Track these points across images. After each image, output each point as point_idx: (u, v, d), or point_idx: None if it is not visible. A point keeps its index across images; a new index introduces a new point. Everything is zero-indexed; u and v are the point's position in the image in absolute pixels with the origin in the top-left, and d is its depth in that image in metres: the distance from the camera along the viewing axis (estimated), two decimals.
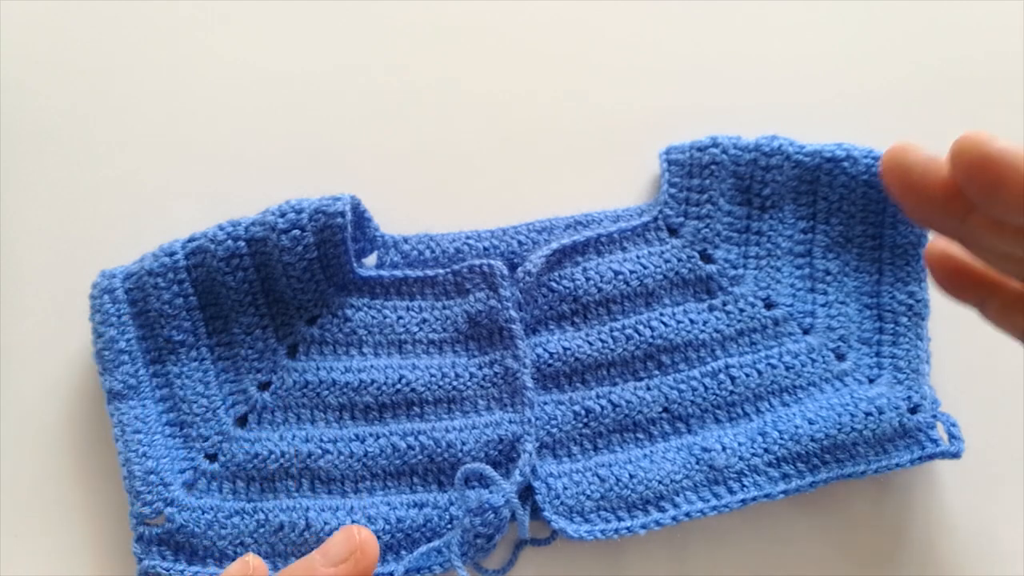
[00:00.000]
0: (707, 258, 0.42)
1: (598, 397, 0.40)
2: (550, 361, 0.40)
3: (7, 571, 0.39)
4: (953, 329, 0.41)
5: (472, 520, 0.36)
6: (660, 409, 0.40)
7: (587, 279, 0.41)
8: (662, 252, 0.41)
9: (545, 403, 0.40)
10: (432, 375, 0.40)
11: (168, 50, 0.46)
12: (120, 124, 0.45)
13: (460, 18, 0.47)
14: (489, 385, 0.40)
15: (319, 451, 0.38)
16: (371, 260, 0.42)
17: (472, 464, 0.37)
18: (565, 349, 0.40)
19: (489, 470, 0.37)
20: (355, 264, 0.40)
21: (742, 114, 0.45)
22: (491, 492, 0.36)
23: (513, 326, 0.39)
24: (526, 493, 0.38)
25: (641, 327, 0.40)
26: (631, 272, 0.41)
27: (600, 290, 0.41)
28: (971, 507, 0.40)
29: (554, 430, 0.39)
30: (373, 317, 0.40)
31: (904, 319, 0.40)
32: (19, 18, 0.46)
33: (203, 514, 0.37)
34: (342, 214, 0.38)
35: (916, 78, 0.46)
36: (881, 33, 0.47)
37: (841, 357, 0.40)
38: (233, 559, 0.37)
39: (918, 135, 0.42)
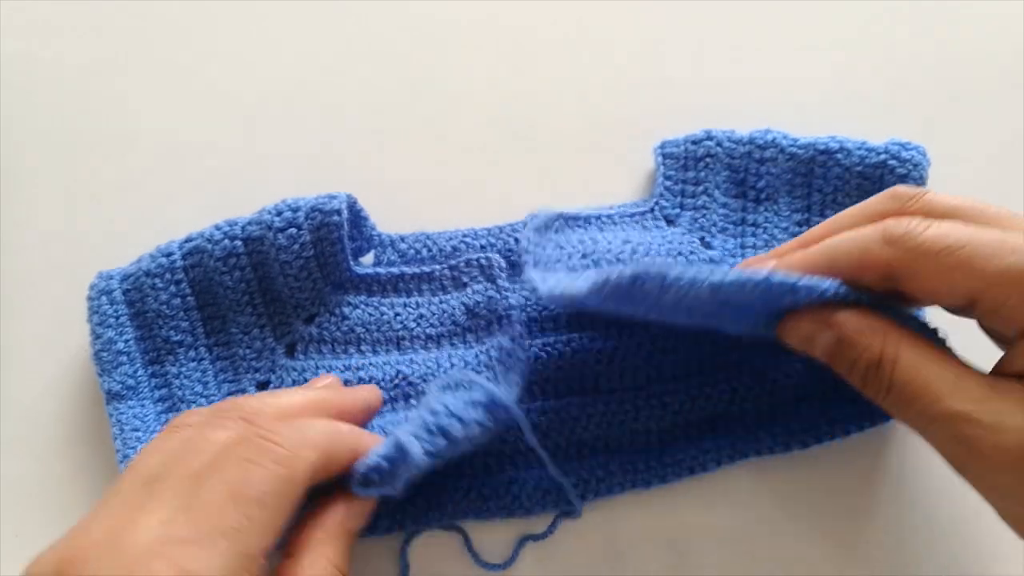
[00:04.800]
0: (706, 246, 0.41)
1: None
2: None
3: (7, 571, 0.39)
4: (954, 328, 0.41)
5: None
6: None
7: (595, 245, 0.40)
8: (663, 235, 0.41)
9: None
10: (428, 367, 0.39)
11: (167, 50, 0.46)
12: (119, 124, 0.45)
13: (458, 16, 0.47)
14: (484, 369, 0.39)
15: None
16: (368, 259, 0.42)
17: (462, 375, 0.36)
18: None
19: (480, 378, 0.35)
20: (352, 262, 0.40)
21: (741, 114, 0.45)
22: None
23: (512, 312, 0.39)
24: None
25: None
26: (639, 243, 0.40)
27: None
28: (971, 506, 0.39)
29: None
30: (371, 315, 0.40)
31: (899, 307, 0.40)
32: (19, 18, 0.46)
33: None
34: (338, 212, 0.38)
35: (911, 72, 0.46)
36: (875, 27, 0.47)
37: None
38: None
39: (912, 129, 0.42)
